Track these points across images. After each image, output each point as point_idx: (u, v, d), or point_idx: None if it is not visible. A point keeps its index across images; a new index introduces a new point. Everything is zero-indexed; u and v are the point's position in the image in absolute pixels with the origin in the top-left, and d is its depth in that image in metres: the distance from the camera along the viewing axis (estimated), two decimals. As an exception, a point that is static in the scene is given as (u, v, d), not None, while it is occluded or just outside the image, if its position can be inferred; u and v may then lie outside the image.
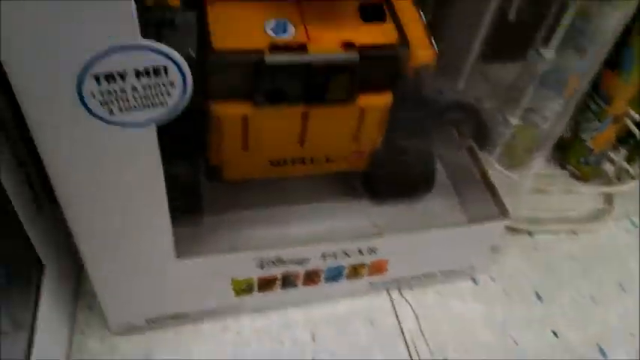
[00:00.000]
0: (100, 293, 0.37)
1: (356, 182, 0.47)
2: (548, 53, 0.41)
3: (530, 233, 0.56)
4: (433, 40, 0.37)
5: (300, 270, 0.42)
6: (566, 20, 0.39)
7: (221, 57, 0.31)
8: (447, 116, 0.35)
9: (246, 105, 0.34)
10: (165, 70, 0.25)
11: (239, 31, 0.33)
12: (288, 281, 0.42)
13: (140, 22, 0.28)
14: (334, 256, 0.41)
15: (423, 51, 0.37)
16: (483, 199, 0.47)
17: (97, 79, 0.24)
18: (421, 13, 0.39)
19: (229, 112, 0.35)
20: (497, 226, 0.46)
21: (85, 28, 0.22)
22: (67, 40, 0.22)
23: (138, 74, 0.25)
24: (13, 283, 0.34)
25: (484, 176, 0.48)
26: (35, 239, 0.35)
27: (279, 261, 0.40)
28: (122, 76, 0.24)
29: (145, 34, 0.25)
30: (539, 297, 0.51)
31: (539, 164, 0.53)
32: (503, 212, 0.46)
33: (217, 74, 0.32)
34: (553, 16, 0.42)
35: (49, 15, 0.21)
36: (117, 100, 0.25)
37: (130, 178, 0.29)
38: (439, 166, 0.52)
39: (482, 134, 0.35)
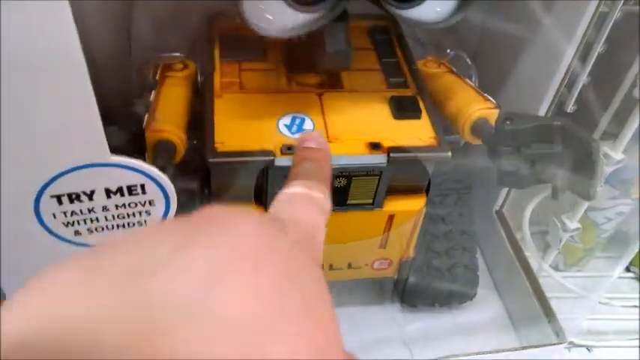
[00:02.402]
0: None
1: (383, 285, 0.41)
2: (616, 154, 0.35)
3: (588, 348, 0.48)
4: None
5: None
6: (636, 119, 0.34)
7: (224, 159, 0.27)
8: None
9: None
10: (143, 187, 0.21)
11: (249, 128, 0.28)
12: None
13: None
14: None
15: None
16: (535, 312, 0.40)
17: (59, 198, 0.20)
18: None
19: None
20: (553, 351, 0.39)
21: (42, 145, 0.18)
22: (20, 158, 0.18)
23: (109, 193, 0.20)
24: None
25: (534, 284, 0.41)
26: None
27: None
28: (89, 196, 0.20)
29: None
30: None
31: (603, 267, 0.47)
32: (558, 333, 0.39)
33: (221, 178, 0.28)
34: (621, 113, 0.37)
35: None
36: (84, 220, 0.21)
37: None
38: (485, 269, 0.46)
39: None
